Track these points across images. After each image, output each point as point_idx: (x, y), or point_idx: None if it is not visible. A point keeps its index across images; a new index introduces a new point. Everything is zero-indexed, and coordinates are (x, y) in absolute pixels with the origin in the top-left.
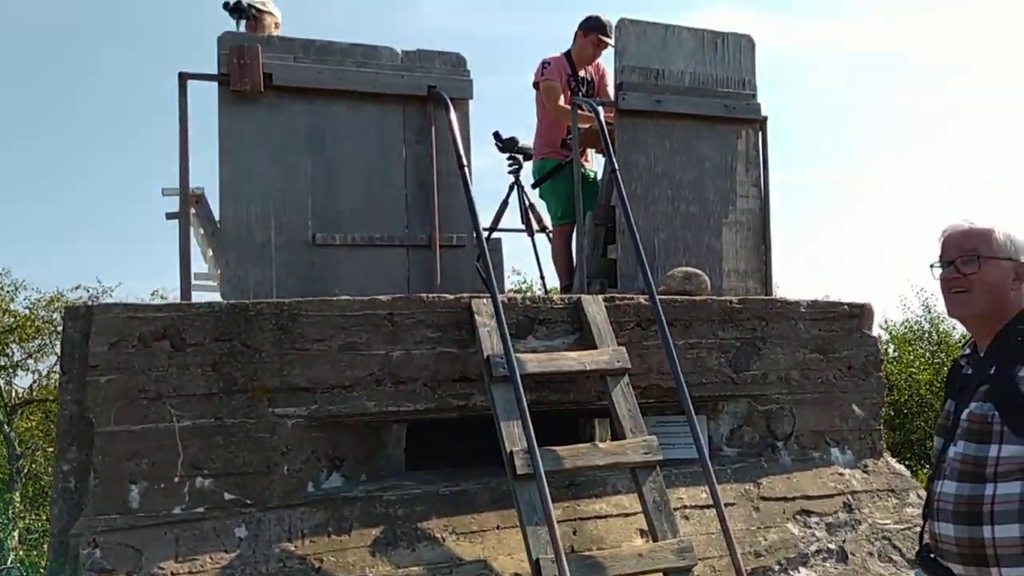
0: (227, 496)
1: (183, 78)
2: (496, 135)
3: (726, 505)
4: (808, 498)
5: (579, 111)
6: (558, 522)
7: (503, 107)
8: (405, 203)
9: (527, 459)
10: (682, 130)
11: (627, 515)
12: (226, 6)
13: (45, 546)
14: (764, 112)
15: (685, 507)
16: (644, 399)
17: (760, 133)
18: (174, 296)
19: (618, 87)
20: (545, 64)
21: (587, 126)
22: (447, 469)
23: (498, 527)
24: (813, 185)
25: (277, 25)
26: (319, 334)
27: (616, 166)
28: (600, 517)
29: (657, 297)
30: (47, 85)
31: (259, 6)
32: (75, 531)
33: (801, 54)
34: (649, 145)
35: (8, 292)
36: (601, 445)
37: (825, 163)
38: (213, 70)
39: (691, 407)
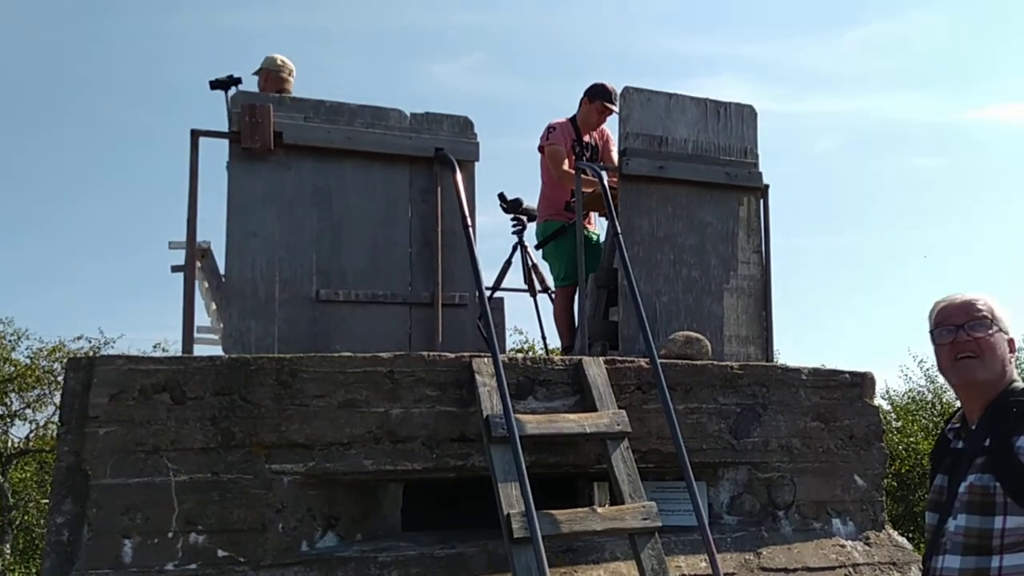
0: (220, 553)
1: (195, 135)
2: (501, 196)
3: (726, 575)
4: (809, 570)
5: (583, 175)
6: None
7: (508, 168)
8: (409, 261)
9: (524, 522)
10: (685, 196)
11: None
12: (212, 84)
13: None
14: (765, 180)
15: None
16: (644, 463)
17: (762, 200)
18: (176, 348)
19: (622, 153)
20: (551, 129)
21: (591, 190)
22: (443, 531)
23: None
24: (815, 253)
25: (291, 72)
26: (319, 390)
27: (619, 229)
28: None
29: (658, 361)
30: (53, 132)
31: (284, 62)
32: None
33: (804, 124)
34: (652, 210)
35: (10, 341)
36: (599, 510)
37: (826, 231)
38: (219, 126)
39: (691, 473)
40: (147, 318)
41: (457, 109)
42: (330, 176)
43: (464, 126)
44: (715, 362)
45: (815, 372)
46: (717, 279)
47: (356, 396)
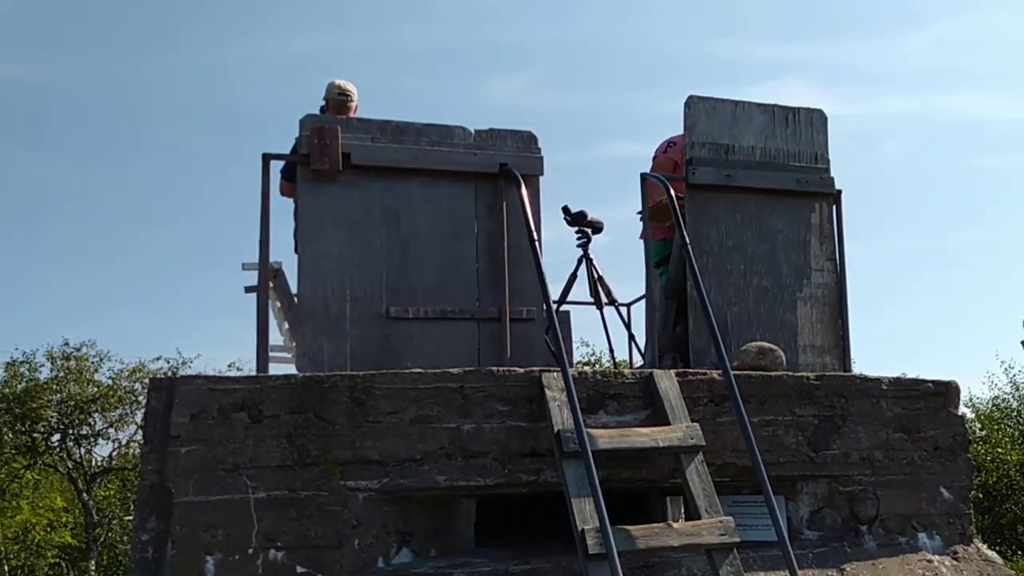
0: (299, 569)
1: (266, 159)
2: (565, 209)
3: None
4: None
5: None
6: None
7: (571, 181)
8: (476, 277)
9: (599, 538)
10: (754, 204)
11: None
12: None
13: None
14: (838, 185)
15: None
16: (719, 477)
17: (834, 206)
18: (250, 367)
19: (688, 162)
20: (670, 143)
21: (660, 199)
22: (516, 546)
23: None
24: (891, 258)
25: (351, 96)
26: (391, 407)
27: (687, 240)
28: None
29: (731, 372)
30: (131, 160)
31: (345, 88)
32: None
33: (873, 126)
34: (720, 219)
35: (93, 363)
36: (675, 525)
37: (903, 235)
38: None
39: (769, 487)
40: (222, 338)
41: (518, 124)
42: (397, 195)
43: (528, 141)
44: (790, 373)
45: (896, 382)
46: (790, 288)
47: (428, 412)
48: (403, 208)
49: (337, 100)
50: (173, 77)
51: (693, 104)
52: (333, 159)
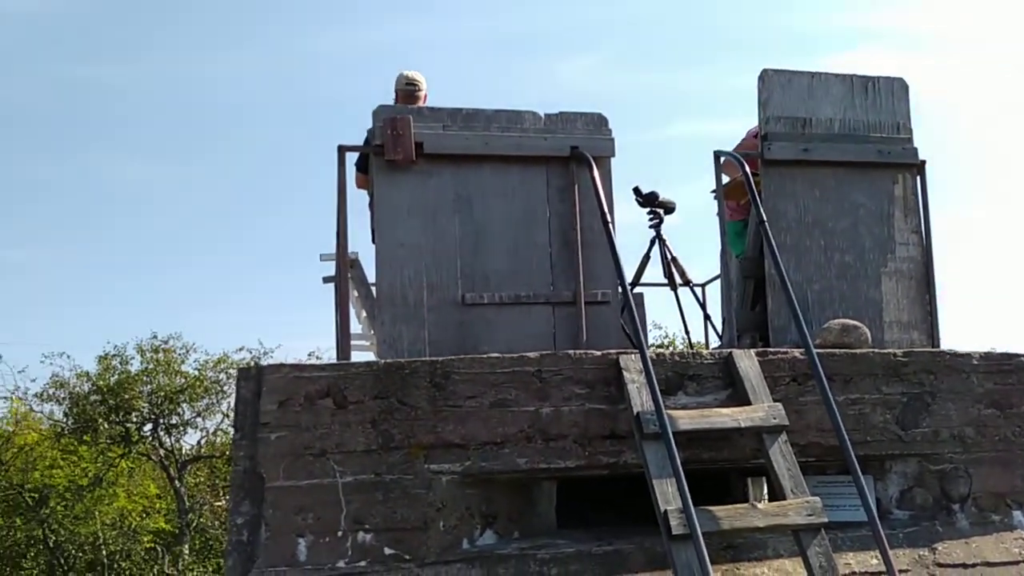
0: (387, 551)
1: (342, 151)
2: (636, 190)
3: (900, 572)
4: (989, 565)
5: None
6: None
7: (641, 160)
8: (550, 261)
9: (683, 519)
10: (833, 178)
11: None
12: None
13: None
14: (921, 155)
15: (855, 574)
16: (803, 458)
17: (918, 177)
18: (329, 355)
19: (763, 137)
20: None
21: (735, 177)
22: (597, 528)
23: None
24: (980, 229)
25: (419, 86)
26: (471, 391)
27: (764, 217)
28: None
29: (814, 351)
30: (208, 157)
31: (413, 78)
32: None
33: (954, 92)
34: (798, 194)
35: (180, 355)
36: (760, 506)
37: (993, 204)
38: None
39: (857, 466)
40: (300, 328)
41: (587, 106)
42: (470, 182)
43: (598, 123)
44: (876, 350)
45: (987, 356)
46: (873, 263)
47: (506, 396)
48: (475, 195)
49: (406, 90)
50: (247, 73)
51: (767, 78)
52: (406, 149)
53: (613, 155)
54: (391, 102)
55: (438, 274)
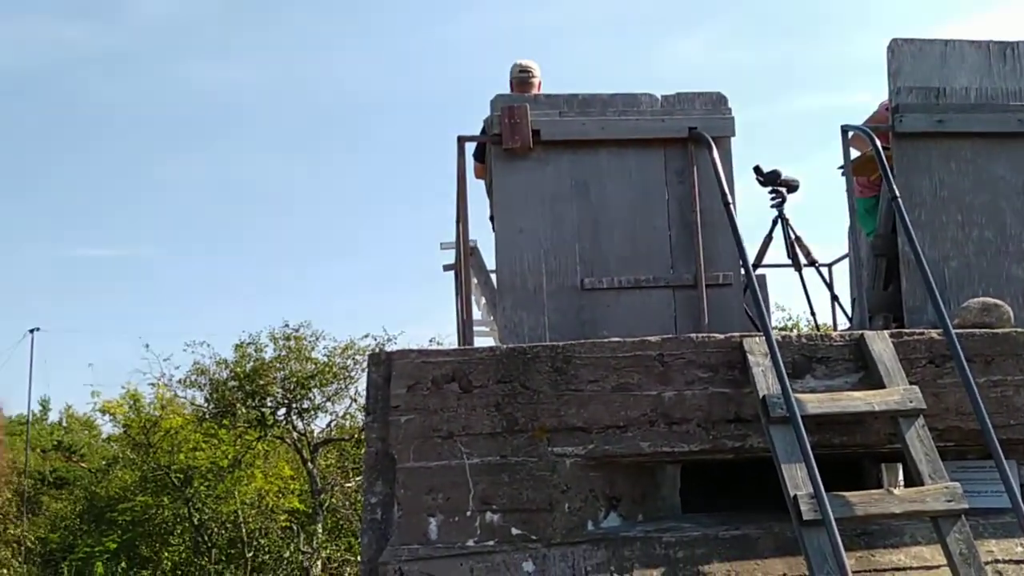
0: (514, 531)
1: (461, 141)
2: (756, 169)
3: None
4: None
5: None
6: (852, 572)
7: (761, 138)
8: (669, 244)
9: (813, 504)
10: (970, 150)
11: (929, 568)
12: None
13: (345, 574)
14: None
15: (997, 562)
16: (941, 442)
17: None
18: (449, 341)
19: (893, 110)
20: None
21: (864, 151)
22: (724, 512)
23: (784, 574)
24: None
25: (533, 73)
26: (592, 375)
27: (896, 193)
28: (899, 569)
29: (953, 331)
30: (336, 156)
31: (527, 66)
32: (383, 559)
33: None
34: (932, 168)
35: (309, 342)
36: (895, 491)
37: None
38: (475, 130)
39: (999, 451)
40: (419, 314)
41: (704, 83)
42: (587, 167)
43: (717, 102)
44: (1019, 329)
45: None
46: (1016, 239)
47: (628, 380)
48: (593, 180)
49: (520, 78)
50: (369, 66)
51: (897, 48)
52: (524, 137)
53: (733, 134)
54: (507, 91)
55: (557, 260)
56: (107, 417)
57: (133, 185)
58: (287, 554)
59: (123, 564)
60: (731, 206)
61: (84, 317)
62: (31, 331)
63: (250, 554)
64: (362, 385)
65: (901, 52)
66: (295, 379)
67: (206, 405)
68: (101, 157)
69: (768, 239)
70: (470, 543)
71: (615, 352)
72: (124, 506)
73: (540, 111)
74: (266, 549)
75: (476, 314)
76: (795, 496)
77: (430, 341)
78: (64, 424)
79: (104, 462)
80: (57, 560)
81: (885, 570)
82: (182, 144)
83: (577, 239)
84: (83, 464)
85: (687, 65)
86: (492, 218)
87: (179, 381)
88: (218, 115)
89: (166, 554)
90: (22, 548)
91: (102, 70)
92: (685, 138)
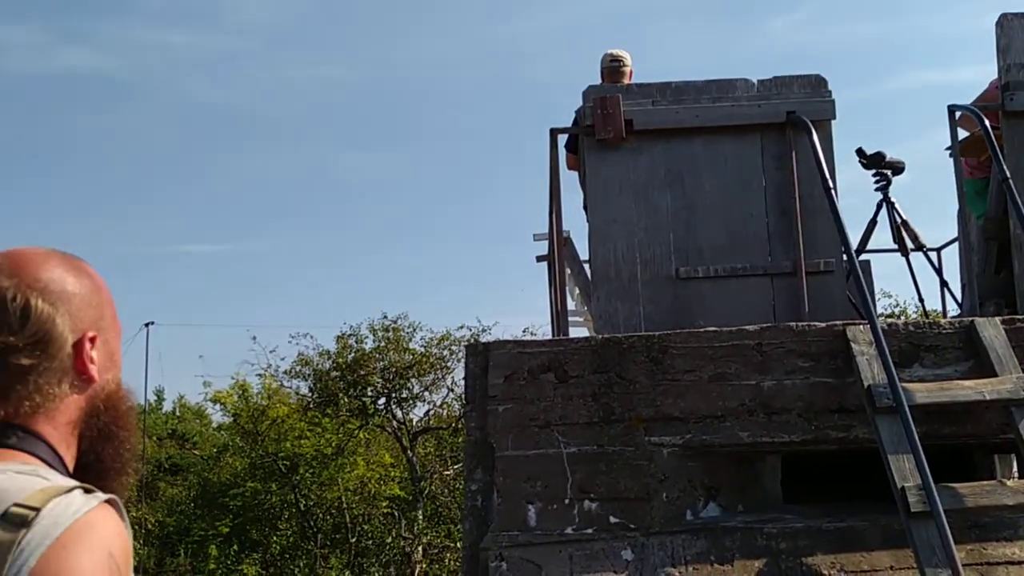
0: (612, 519)
1: (553, 133)
2: (859, 151)
3: None
4: None
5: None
6: (963, 566)
7: (862, 118)
8: (767, 231)
9: (922, 496)
10: None
11: None
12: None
13: (445, 559)
14: None
15: None
16: None
17: None
18: (543, 331)
19: (1004, 87)
20: None
21: (973, 132)
22: (827, 503)
23: (892, 567)
24: None
25: (624, 62)
26: (689, 365)
27: (1007, 174)
28: (1012, 563)
29: None
30: (424, 143)
31: (618, 55)
32: (484, 545)
33: None
34: None
35: (407, 333)
36: (1009, 483)
37: None
38: (566, 122)
39: None
40: (514, 305)
41: (801, 62)
42: (681, 156)
43: (816, 85)
44: None
45: None
46: None
47: (726, 370)
48: (687, 168)
49: (611, 67)
50: (456, 59)
51: (1006, 22)
52: (616, 127)
53: (833, 118)
54: (599, 81)
55: (651, 249)
56: (217, 406)
57: (236, 183)
58: (389, 540)
59: (235, 547)
60: (832, 191)
61: (194, 311)
62: (146, 325)
63: (353, 539)
64: (458, 375)
65: (1011, 27)
66: (394, 369)
67: (310, 395)
68: (205, 157)
69: (872, 224)
70: (568, 530)
71: (712, 341)
72: (235, 491)
73: (633, 101)
74: (369, 535)
75: (570, 304)
76: (903, 488)
77: (524, 331)
78: (177, 413)
79: (215, 449)
80: (174, 542)
81: (998, 563)
82: (281, 142)
83: (671, 228)
84: (196, 451)
85: (783, 45)
86: (585, 208)
87: (284, 372)
88: (313, 112)
89: (275, 538)
90: (142, 530)
91: (205, 73)
92: (783, 123)
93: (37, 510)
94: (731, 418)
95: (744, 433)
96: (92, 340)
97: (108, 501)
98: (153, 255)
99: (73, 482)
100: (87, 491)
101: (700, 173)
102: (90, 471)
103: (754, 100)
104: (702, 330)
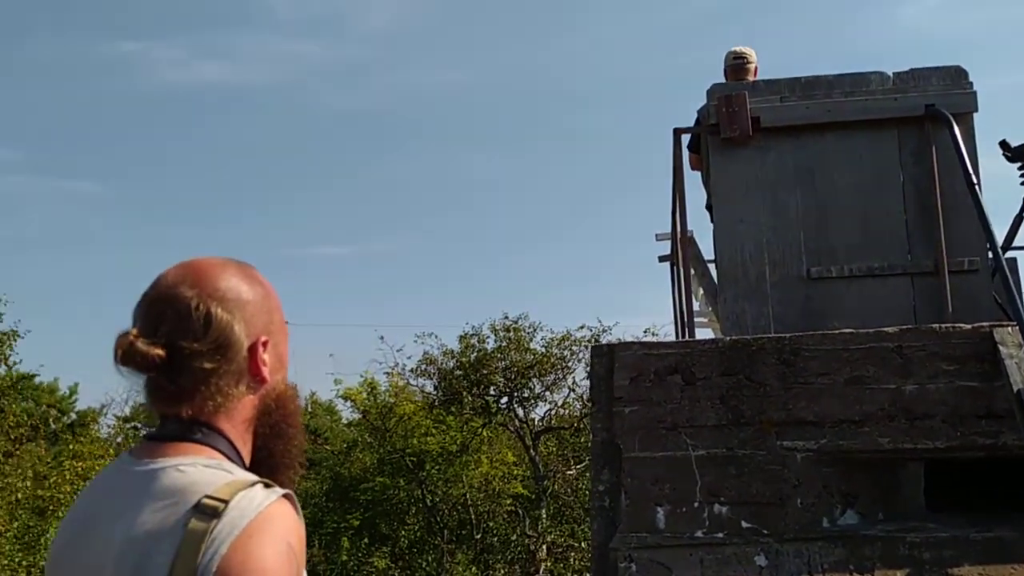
0: (744, 524)
1: (677, 133)
2: (1003, 144)
3: None
4: None
5: None
6: None
7: (1006, 106)
8: (905, 229)
9: None
10: None
11: None
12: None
13: (570, 558)
14: None
15: None
16: None
17: None
18: (664, 332)
19: None
20: None
21: None
22: (970, 512)
23: None
24: None
25: (748, 59)
26: (823, 368)
27: None
28: None
29: None
30: (541, 144)
31: (742, 52)
32: (613, 546)
33: None
34: None
35: (527, 333)
36: None
37: None
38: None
39: None
40: (635, 306)
41: (934, 48)
42: (811, 153)
43: (956, 76)
44: None
45: None
46: None
47: (863, 373)
48: (818, 165)
49: (735, 65)
50: (574, 59)
51: None
52: (743, 125)
53: (975, 110)
54: (722, 79)
55: (780, 249)
56: (347, 403)
57: (363, 185)
58: (513, 537)
59: (365, 540)
60: (976, 186)
61: (324, 311)
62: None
63: (479, 536)
64: (579, 375)
65: None
66: (516, 369)
67: (435, 393)
68: (332, 160)
69: (1019, 219)
70: (698, 534)
71: (848, 344)
72: (365, 486)
73: (759, 97)
74: (493, 531)
75: (694, 305)
76: None
77: (645, 332)
78: (309, 409)
79: (345, 445)
80: (308, 534)
81: None
82: (407, 145)
83: (802, 227)
84: (327, 446)
85: (915, 31)
86: (708, 208)
87: (411, 370)
88: (437, 115)
89: (403, 532)
90: None
91: (333, 82)
92: (921, 117)
93: (226, 502)
94: (870, 423)
95: (884, 439)
96: (264, 344)
97: (285, 496)
98: (285, 258)
99: (254, 477)
100: (267, 486)
101: (832, 170)
102: (263, 466)
103: (890, 94)
104: (837, 332)
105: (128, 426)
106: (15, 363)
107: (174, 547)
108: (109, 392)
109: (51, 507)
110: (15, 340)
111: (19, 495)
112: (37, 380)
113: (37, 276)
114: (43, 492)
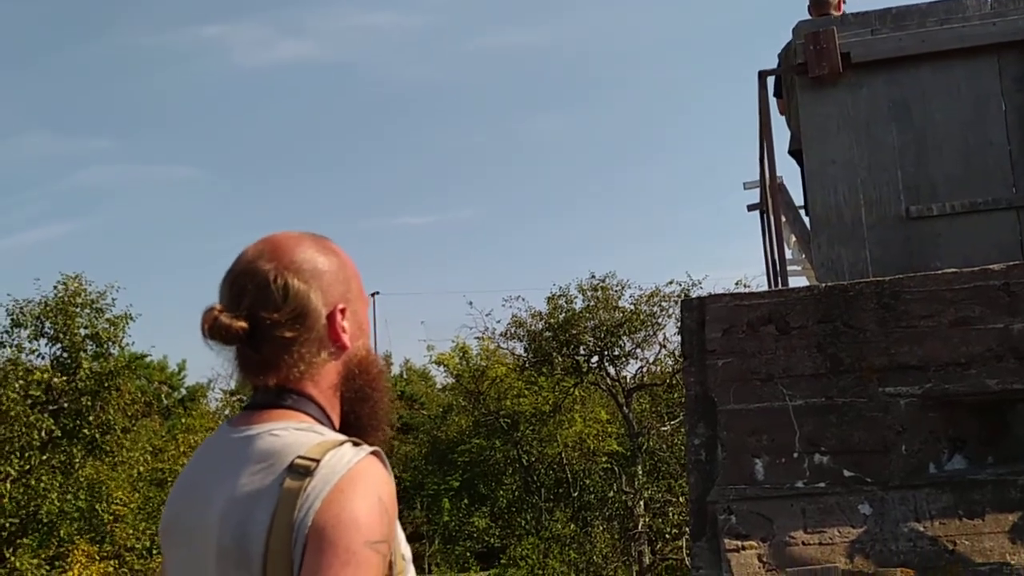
0: (846, 473)
1: (762, 75)
2: None
3: None
4: None
5: None
6: None
7: None
8: (1010, 161)
9: None
10: None
11: None
12: None
13: (668, 513)
14: None
15: None
16: None
17: None
18: (756, 283)
19: None
20: None
21: None
22: None
23: None
24: None
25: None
26: (925, 310)
27: None
28: None
29: None
30: (594, 105)
31: None
32: (711, 498)
33: None
34: None
35: (615, 291)
36: None
37: None
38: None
39: None
40: (724, 258)
41: None
42: (905, 86)
43: None
44: None
45: None
46: None
47: (968, 313)
48: (913, 99)
49: (818, 2)
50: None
51: None
52: (832, 62)
53: None
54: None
55: (876, 189)
56: (441, 368)
57: (440, 158)
58: (611, 494)
59: (465, 500)
60: None
61: (414, 280)
62: (372, 294)
63: (575, 493)
64: (670, 331)
65: None
66: (605, 328)
67: (526, 355)
68: (409, 132)
69: None
70: (799, 484)
71: (951, 284)
72: (463, 448)
73: (848, 32)
74: (590, 489)
75: (787, 253)
76: None
77: (736, 284)
78: (404, 376)
79: (440, 409)
80: (411, 496)
81: None
82: (475, 111)
83: (899, 165)
84: (423, 411)
85: None
86: (792, 153)
87: (501, 334)
88: (505, 79)
89: (501, 492)
90: None
91: (404, 52)
92: (1022, 41)
93: (317, 461)
94: (976, 365)
95: (992, 380)
96: (343, 312)
97: (374, 452)
98: (373, 229)
99: (343, 436)
100: (355, 444)
101: (929, 103)
102: (351, 429)
103: (988, 18)
104: (939, 272)
105: (235, 398)
106: (128, 344)
107: (272, 505)
108: (215, 367)
109: (169, 478)
110: (128, 323)
111: (140, 468)
112: (148, 359)
113: (142, 259)
114: (160, 464)
